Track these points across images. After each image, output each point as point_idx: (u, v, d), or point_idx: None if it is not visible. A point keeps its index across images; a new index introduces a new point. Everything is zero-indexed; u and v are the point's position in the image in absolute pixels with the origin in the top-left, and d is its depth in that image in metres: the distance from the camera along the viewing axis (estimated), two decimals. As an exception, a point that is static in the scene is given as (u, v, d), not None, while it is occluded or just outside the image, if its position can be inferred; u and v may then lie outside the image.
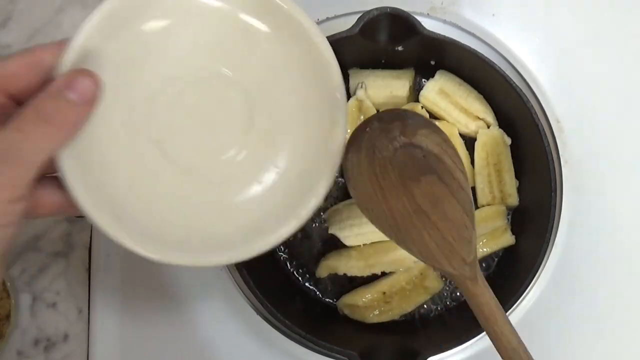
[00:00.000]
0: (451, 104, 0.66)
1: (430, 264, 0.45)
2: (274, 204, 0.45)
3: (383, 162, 0.44)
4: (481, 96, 0.66)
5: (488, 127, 0.67)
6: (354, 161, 0.45)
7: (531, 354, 0.45)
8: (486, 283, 0.44)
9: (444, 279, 0.66)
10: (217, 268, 0.68)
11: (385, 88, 0.66)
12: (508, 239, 0.65)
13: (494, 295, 0.44)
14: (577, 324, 0.68)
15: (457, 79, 0.66)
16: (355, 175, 0.45)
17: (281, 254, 0.68)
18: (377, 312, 0.65)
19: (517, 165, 0.67)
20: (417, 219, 0.43)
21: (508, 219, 0.67)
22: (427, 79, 0.68)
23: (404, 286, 0.65)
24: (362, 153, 0.44)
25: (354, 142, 0.45)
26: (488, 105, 0.66)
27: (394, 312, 0.65)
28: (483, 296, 0.44)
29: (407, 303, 0.65)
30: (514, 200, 0.66)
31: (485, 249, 0.65)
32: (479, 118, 0.66)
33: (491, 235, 0.65)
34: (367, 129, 0.45)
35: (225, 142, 0.45)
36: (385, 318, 0.65)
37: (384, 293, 0.65)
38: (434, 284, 0.65)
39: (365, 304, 0.65)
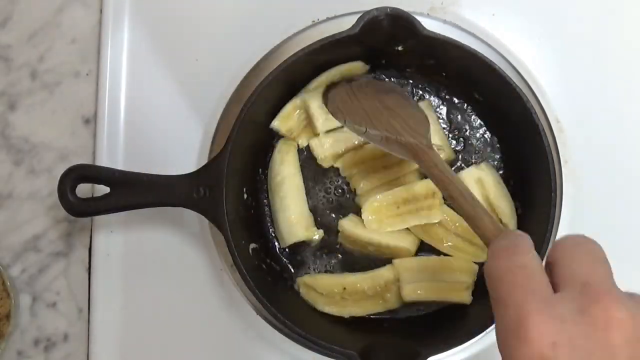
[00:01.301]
0: (481, 196, 0.65)
1: (394, 138, 0.58)
2: None
3: (359, 84, 0.65)
4: (512, 203, 0.65)
5: None
6: (332, 93, 0.65)
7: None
8: (437, 154, 0.56)
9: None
10: (216, 268, 0.68)
11: None
12: (464, 298, 0.64)
13: (443, 161, 0.55)
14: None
15: (498, 177, 0.66)
16: (332, 97, 0.64)
17: (282, 255, 0.68)
18: (329, 303, 0.65)
19: (517, 165, 0.67)
20: (385, 111, 0.61)
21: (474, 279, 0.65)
22: (428, 87, 0.68)
23: (365, 290, 0.65)
24: (340, 86, 0.65)
25: (331, 87, 0.65)
26: (515, 212, 0.65)
27: (345, 310, 0.65)
28: (434, 160, 0.55)
29: (360, 307, 0.65)
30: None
31: (438, 295, 0.64)
32: (501, 221, 0.65)
33: (451, 287, 0.64)
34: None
35: None
36: (333, 312, 0.65)
37: (344, 289, 0.65)
38: (393, 299, 0.65)
39: (322, 291, 0.65)
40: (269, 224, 0.69)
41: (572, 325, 0.35)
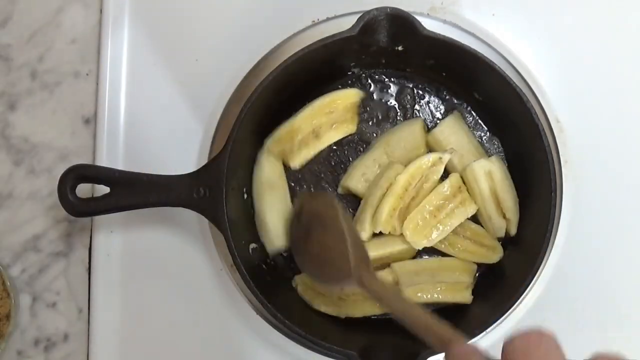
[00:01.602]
0: (489, 189, 0.65)
1: (337, 285, 0.59)
2: None
3: (296, 243, 0.63)
4: (517, 199, 0.65)
5: (506, 232, 0.66)
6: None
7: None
8: (373, 275, 0.55)
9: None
10: (216, 268, 0.68)
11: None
12: (465, 297, 0.64)
13: (380, 283, 0.55)
14: (577, 323, 0.68)
15: (506, 171, 0.66)
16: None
17: (282, 255, 0.68)
18: (326, 303, 0.65)
19: (517, 165, 0.67)
20: (318, 261, 0.60)
21: (476, 277, 0.66)
22: (428, 87, 0.68)
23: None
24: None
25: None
26: (518, 210, 0.65)
27: (341, 311, 0.65)
28: (370, 288, 0.54)
29: (357, 309, 0.65)
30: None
31: (439, 296, 0.64)
32: (505, 217, 0.65)
33: (451, 287, 0.64)
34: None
35: None
36: (329, 312, 0.65)
37: (342, 289, 0.65)
38: None
39: (319, 290, 0.65)
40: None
41: None
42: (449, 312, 0.65)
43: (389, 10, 0.59)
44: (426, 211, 0.64)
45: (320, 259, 0.59)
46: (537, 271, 0.60)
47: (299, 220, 0.63)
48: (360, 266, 0.55)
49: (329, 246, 0.58)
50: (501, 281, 0.65)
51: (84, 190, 0.65)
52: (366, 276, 0.54)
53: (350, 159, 0.69)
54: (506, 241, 0.66)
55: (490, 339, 0.66)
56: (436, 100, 0.69)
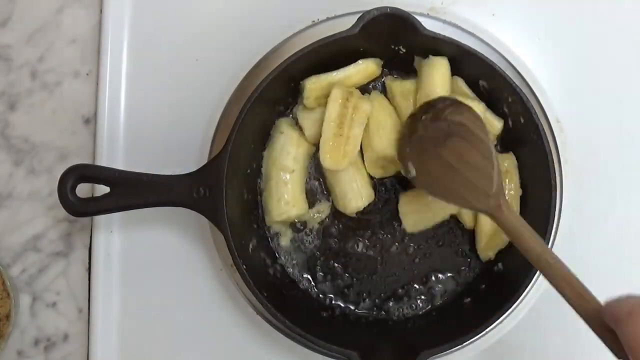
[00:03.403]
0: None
1: (463, 205, 0.57)
2: None
3: (420, 143, 0.59)
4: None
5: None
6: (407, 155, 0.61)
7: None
8: (511, 208, 0.53)
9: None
10: (216, 268, 0.68)
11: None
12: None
13: (519, 216, 0.53)
14: (576, 325, 0.67)
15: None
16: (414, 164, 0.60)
17: (281, 254, 0.69)
18: None
19: (517, 165, 0.67)
20: (448, 172, 0.56)
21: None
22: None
23: None
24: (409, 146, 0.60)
25: (402, 141, 0.62)
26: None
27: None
28: (507, 219, 0.52)
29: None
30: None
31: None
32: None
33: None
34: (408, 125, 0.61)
35: None
36: None
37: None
38: None
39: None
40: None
41: None
42: (447, 311, 0.66)
43: (389, 10, 0.59)
44: (331, 134, 0.63)
45: (452, 172, 0.56)
46: (537, 271, 0.60)
47: (429, 123, 0.58)
48: (500, 194, 0.52)
49: (468, 162, 0.55)
50: (501, 282, 0.64)
51: (84, 190, 0.65)
52: (506, 205, 0.52)
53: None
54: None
55: (488, 341, 0.66)
56: (436, 100, 0.69)
